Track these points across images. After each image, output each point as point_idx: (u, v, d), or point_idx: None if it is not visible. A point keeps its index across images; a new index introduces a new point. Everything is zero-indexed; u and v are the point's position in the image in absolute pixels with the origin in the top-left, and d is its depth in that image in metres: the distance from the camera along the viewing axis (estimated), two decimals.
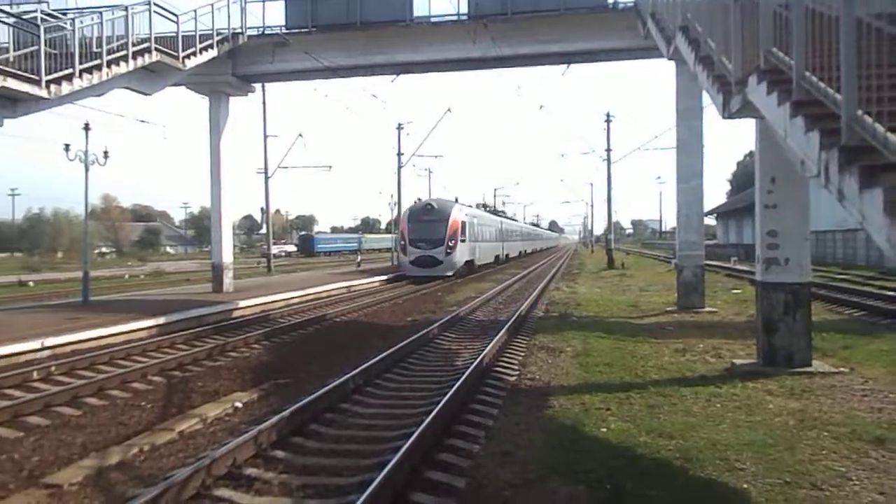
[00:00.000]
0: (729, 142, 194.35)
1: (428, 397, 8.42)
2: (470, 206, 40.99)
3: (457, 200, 37.74)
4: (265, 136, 38.83)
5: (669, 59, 15.53)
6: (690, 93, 17.36)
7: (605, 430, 7.07)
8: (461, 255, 33.02)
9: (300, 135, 48.96)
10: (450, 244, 31.99)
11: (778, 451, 6.11)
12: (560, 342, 12.43)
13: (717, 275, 29.08)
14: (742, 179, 78.95)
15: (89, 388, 9.06)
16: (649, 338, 12.80)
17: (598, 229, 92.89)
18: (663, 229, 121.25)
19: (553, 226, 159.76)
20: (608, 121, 42.26)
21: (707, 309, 17.25)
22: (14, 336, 11.87)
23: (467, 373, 9.03)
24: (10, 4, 17.91)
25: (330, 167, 70.66)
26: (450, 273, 31.60)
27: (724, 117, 8.75)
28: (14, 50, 14.90)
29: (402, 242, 33.32)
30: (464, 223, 33.75)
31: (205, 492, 5.37)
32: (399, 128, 41.97)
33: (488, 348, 10.93)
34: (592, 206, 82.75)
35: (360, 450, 6.58)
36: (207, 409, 8.02)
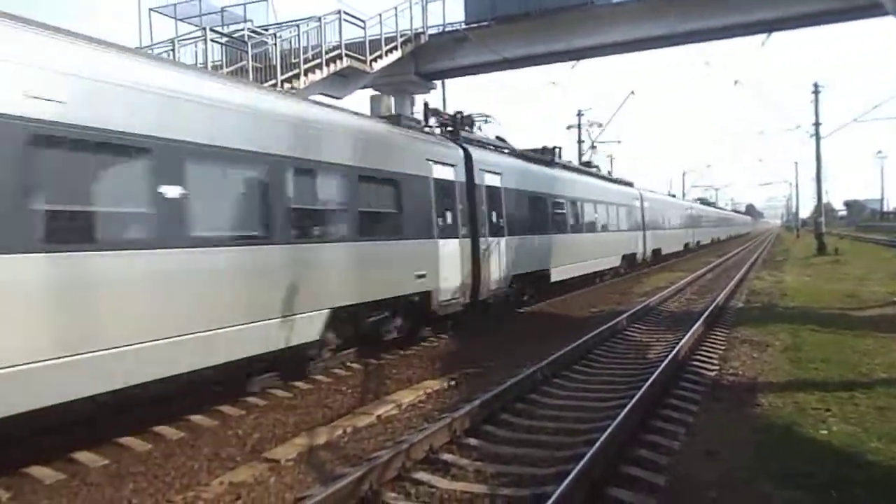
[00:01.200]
0: None
1: (620, 390, 8.11)
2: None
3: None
4: None
5: None
6: None
7: (824, 432, 6.37)
8: None
9: (479, 128, 49.56)
10: None
11: None
12: (765, 335, 11.45)
13: None
14: None
15: (298, 375, 9.69)
16: (873, 331, 11.39)
17: (805, 212, 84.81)
18: (885, 209, 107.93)
19: (750, 209, 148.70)
20: (816, 92, 38.18)
21: None
22: None
23: (662, 365, 8.59)
24: (222, 25, 19.92)
25: None
26: None
27: None
28: (226, 66, 16.57)
29: None
30: None
31: (405, 474, 5.54)
32: (579, 114, 41.11)
33: (683, 340, 10.33)
34: (797, 186, 75.35)
35: (553, 441, 6.46)
36: (402, 396, 8.30)
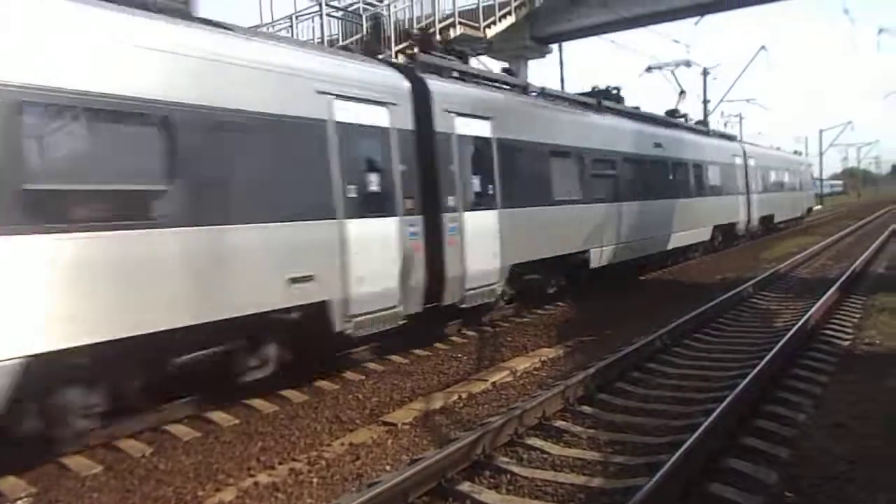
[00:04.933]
0: None
1: (743, 360, 7.82)
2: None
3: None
4: None
5: None
6: None
7: None
8: None
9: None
10: None
11: None
12: None
13: None
14: None
15: (416, 341, 9.97)
16: None
17: None
18: None
19: None
20: None
21: None
22: None
23: (790, 333, 8.20)
24: None
25: None
26: None
27: None
28: (343, 39, 17.02)
29: None
30: None
31: (517, 440, 5.65)
32: (704, 73, 38.94)
33: (815, 308, 9.78)
34: None
35: (669, 410, 6.37)
36: (517, 363, 8.41)
